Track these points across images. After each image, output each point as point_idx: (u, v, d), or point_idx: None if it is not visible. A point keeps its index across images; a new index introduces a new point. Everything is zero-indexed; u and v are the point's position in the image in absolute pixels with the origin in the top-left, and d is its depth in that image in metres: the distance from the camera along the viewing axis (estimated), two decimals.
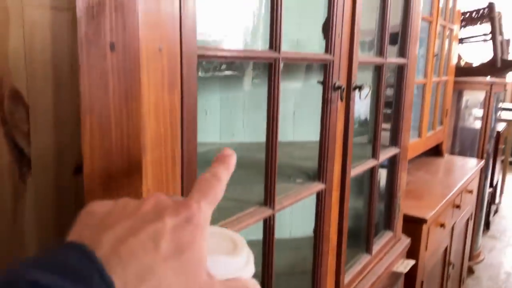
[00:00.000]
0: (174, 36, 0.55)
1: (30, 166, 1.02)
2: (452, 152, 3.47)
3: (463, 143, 3.31)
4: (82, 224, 0.37)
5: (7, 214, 0.99)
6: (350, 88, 0.99)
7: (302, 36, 1.27)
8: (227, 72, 1.33)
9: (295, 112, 1.43)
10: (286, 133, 1.33)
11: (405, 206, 1.81)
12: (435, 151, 2.82)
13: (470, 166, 2.59)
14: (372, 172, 1.22)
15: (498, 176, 4.44)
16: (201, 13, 0.59)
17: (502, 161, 5.07)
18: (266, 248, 0.81)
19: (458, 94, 3.43)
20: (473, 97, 3.34)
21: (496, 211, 4.71)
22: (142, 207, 0.37)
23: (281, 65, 0.76)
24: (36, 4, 0.90)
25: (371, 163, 1.20)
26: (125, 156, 0.53)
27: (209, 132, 1.33)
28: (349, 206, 1.07)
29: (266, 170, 0.79)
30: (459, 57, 4.64)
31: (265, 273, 0.83)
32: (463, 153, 3.24)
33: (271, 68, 0.76)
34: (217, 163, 0.40)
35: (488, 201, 4.01)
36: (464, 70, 3.10)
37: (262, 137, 1.31)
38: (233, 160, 0.41)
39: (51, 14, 0.94)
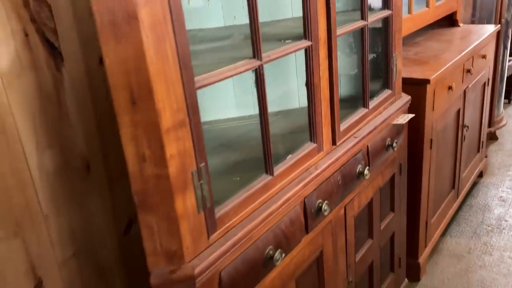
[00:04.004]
0: None
1: (62, 58, 1.21)
2: (472, 22, 3.43)
3: (482, 13, 3.26)
4: None
5: (52, 98, 1.20)
6: None
7: None
8: None
9: None
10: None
11: (410, 71, 1.94)
12: (450, 22, 2.84)
13: (484, 31, 2.61)
14: (362, 32, 1.34)
15: None
16: None
17: None
18: (259, 93, 0.98)
19: None
20: None
21: None
22: None
23: None
24: None
25: (359, 23, 1.31)
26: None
27: (212, 17, 1.46)
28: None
29: (251, 30, 0.94)
30: None
31: (261, 118, 1.02)
32: (481, 22, 3.22)
33: None
34: None
35: None
36: None
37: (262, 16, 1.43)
38: None
39: None
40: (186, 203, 0.82)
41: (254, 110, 1.58)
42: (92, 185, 1.33)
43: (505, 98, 4.12)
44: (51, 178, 1.22)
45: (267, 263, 1.01)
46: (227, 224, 0.93)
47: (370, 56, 1.54)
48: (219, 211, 0.91)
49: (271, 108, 1.16)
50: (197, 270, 0.84)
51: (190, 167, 0.82)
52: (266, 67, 1.00)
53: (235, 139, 1.39)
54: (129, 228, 1.47)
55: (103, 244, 1.39)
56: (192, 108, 0.80)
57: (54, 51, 1.19)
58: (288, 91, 1.58)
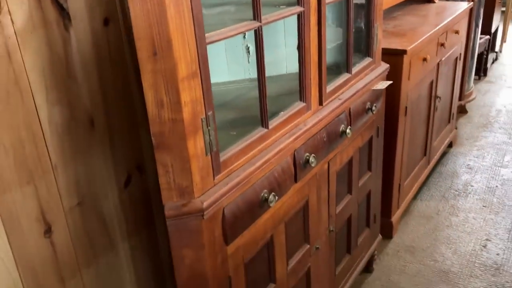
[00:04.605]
0: None
1: (70, 18, 1.30)
2: None
3: None
4: None
5: (60, 57, 1.29)
6: None
7: None
8: None
9: None
10: None
11: (389, 43, 2.07)
12: None
13: (458, 8, 2.76)
14: (348, 1, 1.46)
15: (497, 24, 4.55)
16: None
17: (503, 12, 5.15)
18: (257, 51, 1.09)
19: None
20: None
21: (495, 59, 4.89)
22: None
23: None
24: None
25: None
26: None
27: None
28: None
29: None
30: None
31: (259, 76, 1.13)
32: None
33: None
34: None
35: (485, 48, 4.19)
36: None
37: None
38: None
39: None
40: (196, 146, 0.94)
41: (244, 75, 1.69)
42: (95, 140, 1.43)
43: (475, 74, 4.33)
44: (59, 131, 1.31)
45: (262, 204, 1.14)
46: (229, 168, 1.05)
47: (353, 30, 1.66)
48: (223, 156, 1.03)
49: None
50: (205, 204, 0.96)
51: (200, 114, 0.94)
52: None
53: (229, 100, 1.50)
54: (128, 182, 1.57)
55: (105, 195, 1.50)
56: (203, 61, 0.91)
57: (62, 12, 1.27)
58: (277, 58, 1.69)
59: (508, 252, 2.20)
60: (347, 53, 1.53)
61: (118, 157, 1.52)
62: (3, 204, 1.20)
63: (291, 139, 1.23)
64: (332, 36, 1.65)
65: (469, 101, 3.52)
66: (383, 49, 1.92)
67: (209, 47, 0.93)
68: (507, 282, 2.02)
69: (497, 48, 4.90)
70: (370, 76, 1.67)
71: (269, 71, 1.68)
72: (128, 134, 1.54)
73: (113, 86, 1.45)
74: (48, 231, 1.34)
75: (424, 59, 2.23)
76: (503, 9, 5.22)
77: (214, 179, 1.01)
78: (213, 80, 1.66)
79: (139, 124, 1.57)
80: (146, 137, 1.60)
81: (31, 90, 1.22)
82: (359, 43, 1.71)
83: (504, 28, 5.13)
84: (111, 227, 1.54)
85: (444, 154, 3.08)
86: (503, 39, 5.19)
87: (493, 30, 4.36)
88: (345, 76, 1.54)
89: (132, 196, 1.60)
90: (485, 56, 4.27)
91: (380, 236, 2.11)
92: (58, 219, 1.36)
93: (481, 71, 4.37)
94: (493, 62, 4.81)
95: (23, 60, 1.19)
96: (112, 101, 1.46)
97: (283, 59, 1.70)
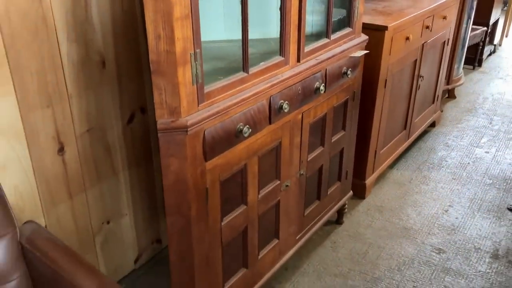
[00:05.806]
0: None
1: None
2: None
3: None
4: None
5: (81, 3, 1.53)
6: None
7: None
8: None
9: None
10: None
11: (374, 20, 2.29)
12: None
13: None
14: None
15: (496, 17, 4.71)
16: None
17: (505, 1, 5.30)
18: (242, 4, 1.33)
19: None
20: None
21: (493, 51, 5.07)
22: None
23: None
24: None
25: None
26: None
27: None
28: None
29: None
30: None
31: (243, 23, 1.37)
32: None
33: None
34: None
35: (481, 39, 4.37)
36: None
37: None
38: None
39: None
40: (185, 75, 1.18)
41: (239, 35, 1.92)
42: (106, 79, 1.68)
43: (470, 64, 4.52)
44: (75, 66, 1.57)
45: (238, 135, 1.39)
46: (212, 99, 1.30)
47: (338, 16, 1.88)
48: (207, 89, 1.28)
49: (255, 35, 1.49)
50: (189, 123, 1.21)
51: (189, 50, 1.18)
52: (253, 4, 1.33)
53: (222, 54, 1.74)
54: (131, 120, 1.83)
55: (111, 127, 1.76)
56: (194, 8, 1.15)
57: None
58: (269, 24, 1.92)
59: (466, 217, 2.45)
60: (327, 21, 1.76)
61: (124, 96, 1.78)
62: (27, 121, 1.46)
63: (268, 85, 1.48)
64: (318, 12, 1.88)
65: (456, 86, 3.73)
66: (366, 24, 2.15)
67: (208, 6, 1.16)
68: (459, 240, 2.27)
69: (496, 41, 5.06)
70: (349, 44, 1.90)
71: (261, 34, 1.92)
72: (134, 78, 1.80)
73: (123, 35, 1.70)
74: (61, 150, 1.60)
75: (407, 38, 2.45)
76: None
77: (198, 106, 1.26)
78: (211, 38, 1.91)
79: (144, 73, 1.82)
80: (150, 83, 1.85)
81: (55, 27, 1.47)
82: (341, 14, 1.93)
83: (505, 22, 5.29)
84: (114, 156, 1.81)
85: (426, 132, 3.31)
86: (504, 33, 5.35)
87: (491, 22, 4.52)
88: (324, 41, 1.77)
89: (134, 133, 1.86)
90: (480, 47, 4.45)
91: (351, 192, 2.36)
92: (70, 141, 1.62)
93: (476, 61, 4.56)
94: (490, 54, 4.98)
95: (50, 0, 1.43)
96: (122, 48, 1.71)
97: (274, 25, 1.93)
